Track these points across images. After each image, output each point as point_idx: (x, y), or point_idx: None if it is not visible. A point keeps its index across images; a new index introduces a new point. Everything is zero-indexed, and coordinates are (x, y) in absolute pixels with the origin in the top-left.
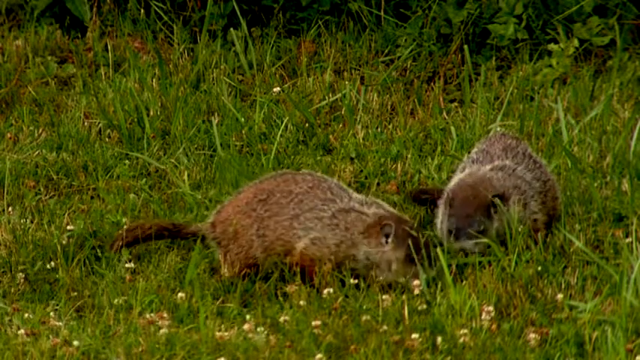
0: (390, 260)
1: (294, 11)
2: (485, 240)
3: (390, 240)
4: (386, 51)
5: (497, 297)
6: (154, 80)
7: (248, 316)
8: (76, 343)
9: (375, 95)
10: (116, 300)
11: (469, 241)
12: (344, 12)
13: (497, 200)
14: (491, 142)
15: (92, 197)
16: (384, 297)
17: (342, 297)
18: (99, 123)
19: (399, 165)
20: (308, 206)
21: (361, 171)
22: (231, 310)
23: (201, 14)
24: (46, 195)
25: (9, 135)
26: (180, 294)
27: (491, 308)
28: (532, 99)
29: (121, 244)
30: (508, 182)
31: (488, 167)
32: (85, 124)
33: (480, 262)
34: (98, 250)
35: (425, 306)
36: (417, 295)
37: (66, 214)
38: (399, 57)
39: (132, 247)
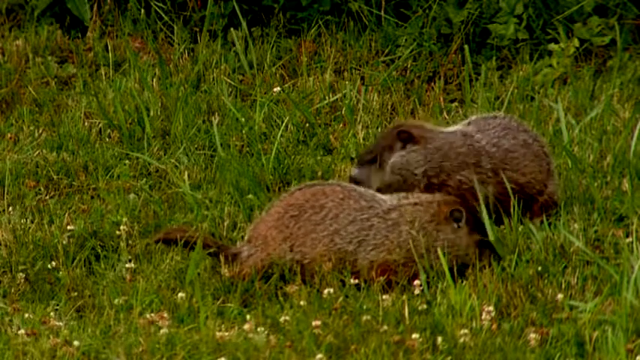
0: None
1: (295, 11)
2: None
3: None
4: (386, 51)
5: (498, 297)
6: (154, 80)
7: (248, 316)
8: (76, 343)
9: (376, 95)
10: (116, 300)
11: None
12: (344, 12)
13: None
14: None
15: (92, 197)
16: (384, 297)
17: (343, 297)
18: (99, 123)
19: None
20: (347, 220)
21: None
22: (232, 310)
23: (201, 14)
24: (46, 195)
25: (9, 135)
26: (180, 294)
27: (491, 308)
28: (532, 99)
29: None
30: None
31: None
32: (86, 124)
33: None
34: (98, 250)
35: (425, 306)
36: (417, 295)
37: (66, 214)
38: (400, 57)
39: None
